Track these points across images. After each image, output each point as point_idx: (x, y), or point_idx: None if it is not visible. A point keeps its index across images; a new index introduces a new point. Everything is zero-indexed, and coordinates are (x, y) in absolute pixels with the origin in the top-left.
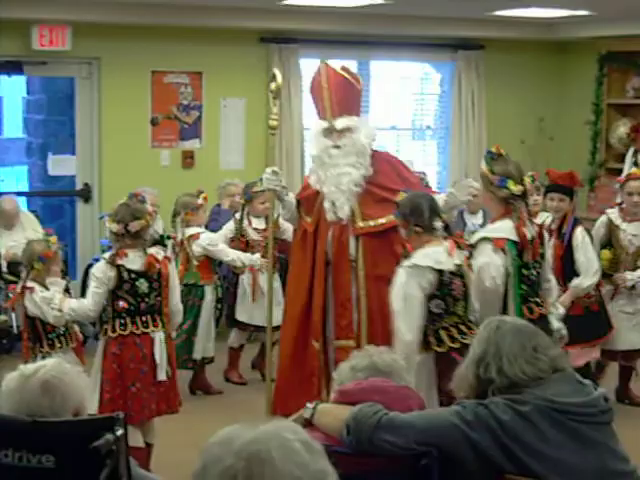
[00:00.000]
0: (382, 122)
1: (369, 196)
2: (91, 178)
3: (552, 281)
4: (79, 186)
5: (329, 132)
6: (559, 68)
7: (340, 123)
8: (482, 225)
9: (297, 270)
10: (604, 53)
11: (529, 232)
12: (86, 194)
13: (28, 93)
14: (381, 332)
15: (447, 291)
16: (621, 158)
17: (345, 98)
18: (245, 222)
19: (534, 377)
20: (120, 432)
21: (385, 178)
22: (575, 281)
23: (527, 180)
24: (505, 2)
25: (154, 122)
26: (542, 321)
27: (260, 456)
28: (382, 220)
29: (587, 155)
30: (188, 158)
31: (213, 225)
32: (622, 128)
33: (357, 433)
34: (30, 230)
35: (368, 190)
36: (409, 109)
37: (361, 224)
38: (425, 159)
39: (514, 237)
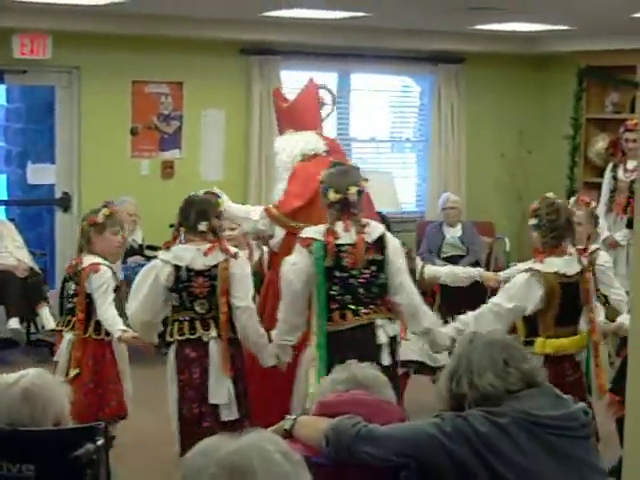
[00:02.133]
0: (361, 134)
1: None
2: (70, 187)
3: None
4: (58, 195)
5: None
6: (538, 82)
7: (275, 144)
8: (460, 237)
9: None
10: (583, 67)
11: (348, 238)
12: (65, 203)
13: (7, 101)
14: None
15: (183, 287)
16: (599, 172)
17: (279, 119)
18: None
19: (504, 390)
20: (100, 442)
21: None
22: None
23: (352, 190)
24: (485, 16)
25: (134, 132)
26: (362, 330)
27: (242, 467)
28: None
29: (566, 169)
30: (168, 168)
31: None
32: (601, 143)
33: (336, 444)
34: (9, 239)
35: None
36: (388, 121)
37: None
38: (404, 172)
39: (323, 238)
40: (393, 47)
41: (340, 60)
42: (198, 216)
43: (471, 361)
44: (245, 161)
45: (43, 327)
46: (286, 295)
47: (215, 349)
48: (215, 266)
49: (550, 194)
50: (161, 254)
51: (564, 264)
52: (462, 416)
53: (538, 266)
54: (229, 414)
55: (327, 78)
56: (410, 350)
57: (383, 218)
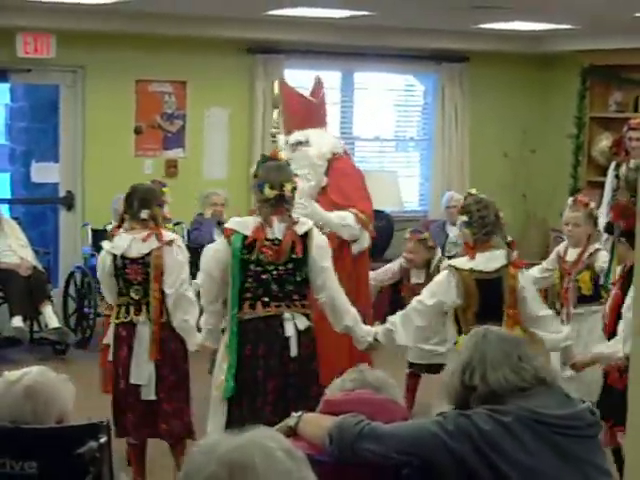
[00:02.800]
0: (365, 133)
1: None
2: (74, 186)
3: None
4: (62, 193)
5: (286, 146)
6: (542, 81)
7: (293, 138)
8: None
9: None
10: (587, 66)
11: (273, 234)
12: (69, 202)
13: (11, 100)
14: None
15: (120, 274)
16: (603, 171)
17: (298, 113)
18: None
19: (516, 386)
20: (103, 439)
21: (334, 180)
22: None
23: (288, 187)
24: (489, 15)
25: (138, 131)
26: (269, 321)
27: (243, 464)
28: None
29: (569, 168)
30: (171, 167)
31: (196, 234)
32: (604, 142)
33: (339, 442)
34: (12, 237)
35: (319, 200)
36: (392, 120)
37: None
38: (408, 170)
39: (245, 231)
40: (397, 46)
41: (344, 59)
42: (140, 204)
43: (485, 355)
44: (249, 160)
45: (46, 325)
46: (205, 282)
47: (143, 332)
48: (149, 254)
49: (474, 190)
50: (104, 243)
51: (484, 260)
52: (465, 414)
53: (455, 262)
54: (148, 394)
55: (331, 77)
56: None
57: (387, 217)
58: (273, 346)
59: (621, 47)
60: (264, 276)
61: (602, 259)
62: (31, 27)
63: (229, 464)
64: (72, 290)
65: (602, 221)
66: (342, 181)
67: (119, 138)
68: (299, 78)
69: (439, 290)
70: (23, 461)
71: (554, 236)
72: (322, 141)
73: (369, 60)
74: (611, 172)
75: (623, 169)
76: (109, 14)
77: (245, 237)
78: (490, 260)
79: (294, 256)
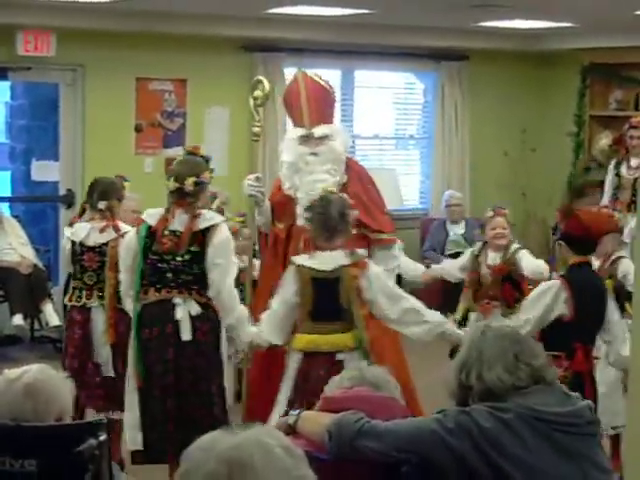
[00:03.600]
0: (365, 131)
1: None
2: (74, 184)
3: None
4: (62, 192)
5: (306, 139)
6: (542, 79)
7: (319, 131)
8: (464, 234)
9: (268, 277)
10: (587, 65)
11: (174, 225)
12: (69, 200)
13: (11, 98)
14: None
15: (76, 260)
16: (603, 170)
17: (323, 106)
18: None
19: (512, 385)
20: (103, 437)
21: (355, 187)
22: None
23: (189, 181)
24: (489, 13)
25: (138, 129)
26: (161, 305)
27: (242, 461)
28: (352, 230)
29: (569, 167)
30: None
31: None
32: (604, 140)
33: (339, 439)
34: (13, 235)
35: None
36: (392, 118)
37: None
38: (408, 169)
39: (151, 221)
40: (396, 44)
41: (344, 57)
42: (100, 195)
43: (482, 353)
44: (249, 158)
45: (47, 323)
46: (121, 269)
47: (97, 316)
48: (105, 244)
49: (330, 188)
50: (65, 229)
51: (322, 260)
52: (465, 411)
53: (297, 259)
54: (107, 371)
55: (331, 75)
56: None
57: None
58: (165, 329)
59: (621, 45)
60: (161, 265)
61: (621, 269)
62: (31, 25)
63: (228, 461)
64: None
65: None
66: (361, 190)
67: (119, 136)
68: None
69: (284, 287)
70: (23, 459)
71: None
72: (343, 137)
73: (369, 58)
74: (611, 170)
75: (623, 167)
76: (109, 12)
77: (150, 227)
78: (328, 260)
79: (192, 249)
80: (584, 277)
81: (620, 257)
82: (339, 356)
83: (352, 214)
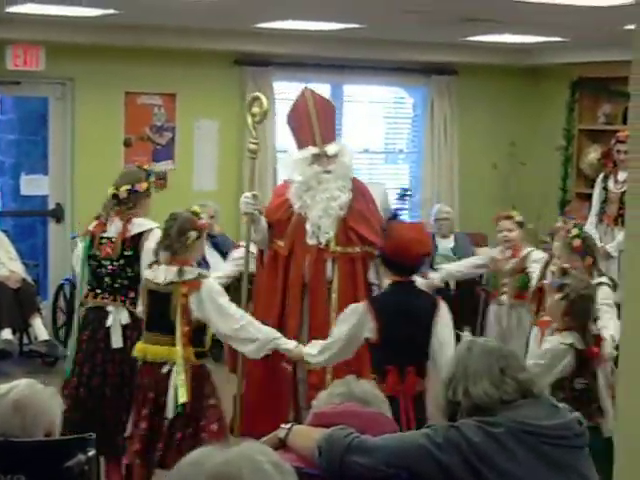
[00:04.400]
0: (355, 145)
1: (343, 222)
2: (63, 198)
3: None
4: (51, 206)
5: (318, 158)
6: (531, 93)
7: (332, 149)
8: (453, 248)
9: (266, 294)
10: (576, 79)
11: (112, 232)
12: (58, 214)
13: (0, 113)
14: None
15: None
16: (592, 183)
17: (332, 123)
18: None
19: (497, 400)
20: (92, 453)
21: (359, 204)
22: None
23: (123, 189)
24: (478, 28)
25: (127, 143)
26: (95, 311)
27: (231, 477)
28: (357, 249)
29: (558, 180)
30: (161, 179)
31: None
32: (593, 154)
33: (328, 454)
34: (1, 250)
35: (344, 215)
36: (382, 133)
37: (337, 248)
38: (397, 182)
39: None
40: (386, 58)
41: (333, 71)
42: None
43: (467, 368)
44: (238, 172)
45: (36, 338)
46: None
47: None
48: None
49: (196, 208)
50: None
51: (157, 272)
52: (455, 426)
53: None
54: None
55: (320, 89)
56: None
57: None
58: (97, 334)
59: (610, 59)
60: (99, 270)
61: (601, 295)
62: (21, 39)
63: (217, 477)
64: (61, 303)
65: (591, 232)
66: (365, 207)
67: (108, 150)
68: (288, 90)
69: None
70: (12, 474)
71: (543, 248)
72: (349, 152)
73: (358, 73)
74: (599, 184)
75: (611, 181)
76: (98, 27)
77: (91, 234)
78: (162, 273)
79: (126, 253)
80: (394, 298)
81: (600, 284)
82: (164, 368)
83: (192, 235)
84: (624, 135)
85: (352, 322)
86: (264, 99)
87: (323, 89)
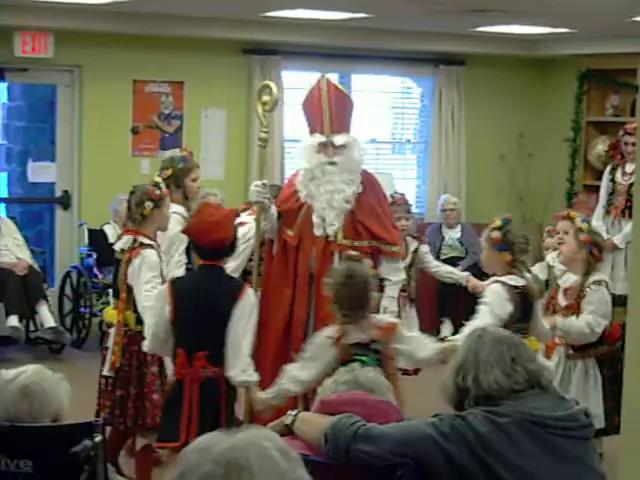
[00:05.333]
0: (362, 135)
1: (352, 215)
2: (71, 185)
3: None
4: (58, 193)
5: (324, 147)
6: (539, 85)
7: (339, 139)
8: (460, 239)
9: (277, 283)
10: (584, 71)
11: None
12: (65, 201)
13: (9, 99)
14: None
15: None
16: (599, 175)
17: (343, 115)
18: None
19: (507, 389)
20: (98, 438)
21: (369, 198)
22: None
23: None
24: (487, 18)
25: (135, 131)
26: None
27: (238, 463)
28: (365, 242)
29: (566, 172)
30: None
31: None
32: (600, 146)
33: (334, 442)
34: (9, 237)
35: (353, 208)
36: (389, 123)
37: (344, 241)
38: (404, 173)
39: None
40: (394, 48)
41: (341, 61)
42: None
43: (479, 356)
44: (246, 160)
45: (42, 325)
46: None
47: None
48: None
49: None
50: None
51: (119, 241)
52: (461, 416)
53: None
54: None
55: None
56: None
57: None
58: None
59: (618, 51)
60: None
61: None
62: (29, 26)
63: (224, 463)
64: (68, 290)
65: (596, 224)
66: (375, 202)
67: (116, 138)
68: (296, 79)
69: None
70: (19, 459)
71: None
72: (360, 147)
73: (366, 62)
74: (606, 176)
75: (618, 173)
76: (107, 14)
77: None
78: (121, 242)
79: None
80: (194, 282)
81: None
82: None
83: (148, 205)
84: (632, 127)
85: (157, 304)
86: (274, 87)
87: (331, 78)
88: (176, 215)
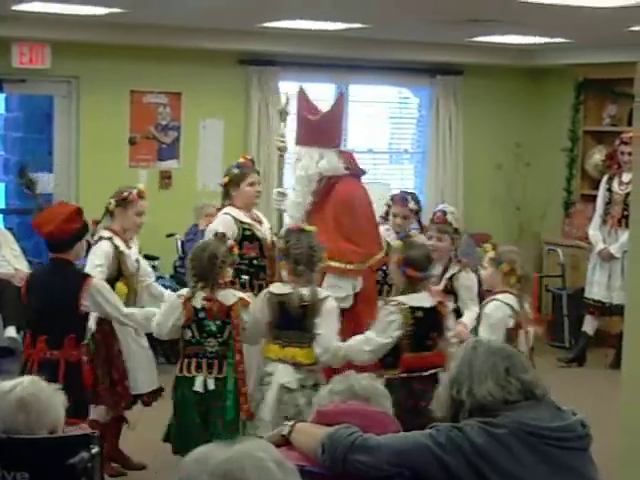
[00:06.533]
0: (359, 145)
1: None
2: (68, 196)
3: None
4: None
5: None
6: (536, 94)
7: (294, 150)
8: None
9: None
10: (581, 80)
11: None
12: None
13: (6, 110)
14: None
15: None
16: (596, 185)
17: (303, 128)
18: None
19: (501, 400)
20: (95, 450)
21: (327, 210)
22: None
23: None
24: (483, 28)
25: (132, 142)
26: None
27: (235, 475)
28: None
29: (563, 181)
30: (166, 178)
31: (190, 245)
32: (597, 155)
33: (331, 452)
34: (6, 247)
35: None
36: (386, 133)
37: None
38: (402, 183)
39: None
40: (391, 58)
41: (338, 71)
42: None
43: (472, 368)
44: None
45: None
46: None
47: None
48: None
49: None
50: None
51: None
52: (458, 427)
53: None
54: None
55: (325, 89)
56: None
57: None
58: None
59: (615, 61)
60: None
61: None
62: (27, 37)
63: (221, 475)
64: None
65: (593, 233)
66: (330, 214)
67: (113, 149)
68: (294, 90)
69: None
70: (16, 471)
71: (547, 249)
72: (308, 161)
73: (364, 72)
74: (603, 185)
75: (615, 183)
76: (104, 25)
77: None
78: None
79: None
80: (43, 273)
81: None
82: None
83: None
84: (628, 136)
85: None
86: (283, 97)
87: (328, 89)
88: (226, 216)
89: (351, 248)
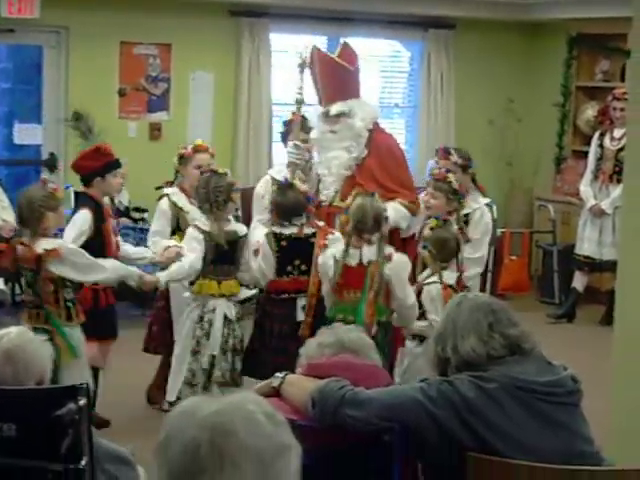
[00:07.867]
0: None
1: (351, 180)
2: (57, 147)
3: None
4: (45, 155)
5: (324, 117)
6: (529, 49)
7: (334, 109)
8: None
9: None
10: (574, 35)
11: None
12: (52, 163)
13: None
14: None
15: None
16: (588, 141)
17: (335, 83)
18: None
19: (485, 355)
20: (83, 402)
21: (370, 161)
22: None
23: None
24: None
25: (122, 93)
26: None
27: (224, 427)
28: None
29: (554, 137)
30: (155, 130)
31: None
32: (590, 111)
33: (322, 406)
34: None
35: (354, 173)
36: (378, 87)
37: (340, 204)
38: None
39: None
40: (384, 11)
41: (330, 24)
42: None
43: (456, 324)
44: (234, 124)
45: None
46: None
47: None
48: None
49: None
50: None
51: None
52: (448, 381)
53: None
54: None
55: (317, 41)
56: None
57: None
58: None
59: (609, 16)
60: None
61: None
62: None
63: (209, 427)
64: None
65: (584, 189)
66: (389, 161)
67: (103, 100)
68: (284, 42)
69: None
70: (2, 423)
71: (538, 205)
72: (364, 111)
73: (356, 25)
74: (595, 141)
75: (607, 138)
76: None
77: None
78: None
79: None
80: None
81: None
82: None
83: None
84: (621, 92)
85: None
86: (304, 49)
87: (319, 41)
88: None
89: (411, 194)
